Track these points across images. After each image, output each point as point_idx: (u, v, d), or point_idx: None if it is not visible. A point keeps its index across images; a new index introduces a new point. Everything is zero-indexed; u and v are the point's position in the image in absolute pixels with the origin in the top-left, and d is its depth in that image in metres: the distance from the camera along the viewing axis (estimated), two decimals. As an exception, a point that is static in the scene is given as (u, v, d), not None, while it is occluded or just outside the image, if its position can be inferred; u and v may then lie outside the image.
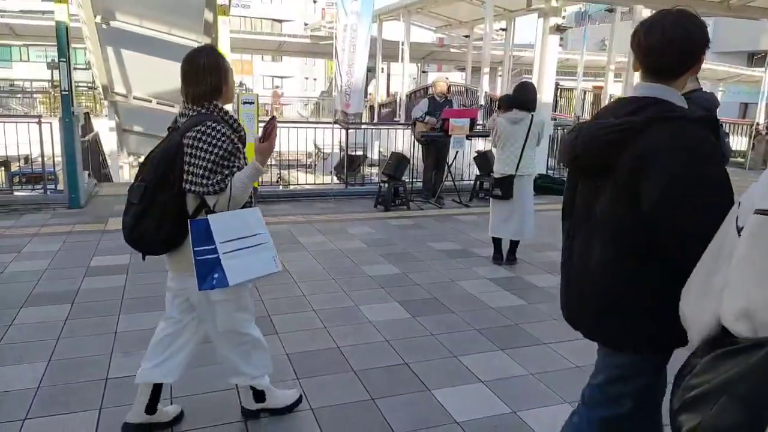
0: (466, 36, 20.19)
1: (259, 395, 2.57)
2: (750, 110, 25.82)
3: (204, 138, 2.16)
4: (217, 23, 8.55)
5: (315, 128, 12.05)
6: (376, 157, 13.25)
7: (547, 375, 3.07)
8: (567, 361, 3.24)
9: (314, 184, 10.38)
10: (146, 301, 3.92)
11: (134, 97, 12.41)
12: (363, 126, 9.00)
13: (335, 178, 9.14)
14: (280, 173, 10.74)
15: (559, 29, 8.39)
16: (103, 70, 11.69)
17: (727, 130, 7.03)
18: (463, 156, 8.19)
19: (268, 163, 2.64)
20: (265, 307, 3.90)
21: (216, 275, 2.18)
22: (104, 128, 13.61)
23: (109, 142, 14.17)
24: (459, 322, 3.75)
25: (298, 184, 11.20)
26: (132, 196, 2.23)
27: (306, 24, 45.29)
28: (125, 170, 16.26)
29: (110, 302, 3.91)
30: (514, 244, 5.12)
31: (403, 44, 18.67)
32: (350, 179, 8.93)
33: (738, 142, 14.35)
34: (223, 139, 2.18)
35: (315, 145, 14.58)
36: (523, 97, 4.87)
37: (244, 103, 7.10)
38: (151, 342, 2.44)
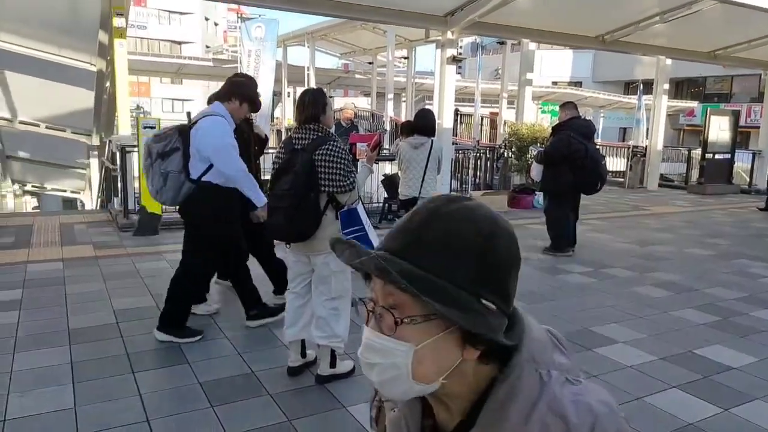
0: (370, 63, 20.75)
1: (333, 360, 3.16)
2: (628, 134, 28.45)
3: (335, 152, 2.95)
4: (113, 46, 8.27)
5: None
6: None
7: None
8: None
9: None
10: (43, 338, 3.71)
11: (20, 122, 11.60)
12: (270, 150, 8.95)
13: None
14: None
15: (455, 60, 8.89)
16: (-18, 93, 10.86)
17: (603, 153, 7.76)
18: (371, 179, 8.39)
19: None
20: (174, 336, 3.81)
21: None
22: (-16, 155, 12.60)
23: (-11, 169, 13.11)
24: (371, 340, 3.87)
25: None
26: (280, 201, 2.97)
27: (208, 47, 44.39)
28: (9, 199, 15.01)
29: (2, 340, 3.66)
30: (421, 263, 5.34)
31: (308, 69, 18.87)
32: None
33: (618, 164, 15.77)
34: (345, 151, 3.01)
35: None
36: (423, 123, 5.18)
37: (145, 128, 6.89)
38: (287, 311, 3.25)
